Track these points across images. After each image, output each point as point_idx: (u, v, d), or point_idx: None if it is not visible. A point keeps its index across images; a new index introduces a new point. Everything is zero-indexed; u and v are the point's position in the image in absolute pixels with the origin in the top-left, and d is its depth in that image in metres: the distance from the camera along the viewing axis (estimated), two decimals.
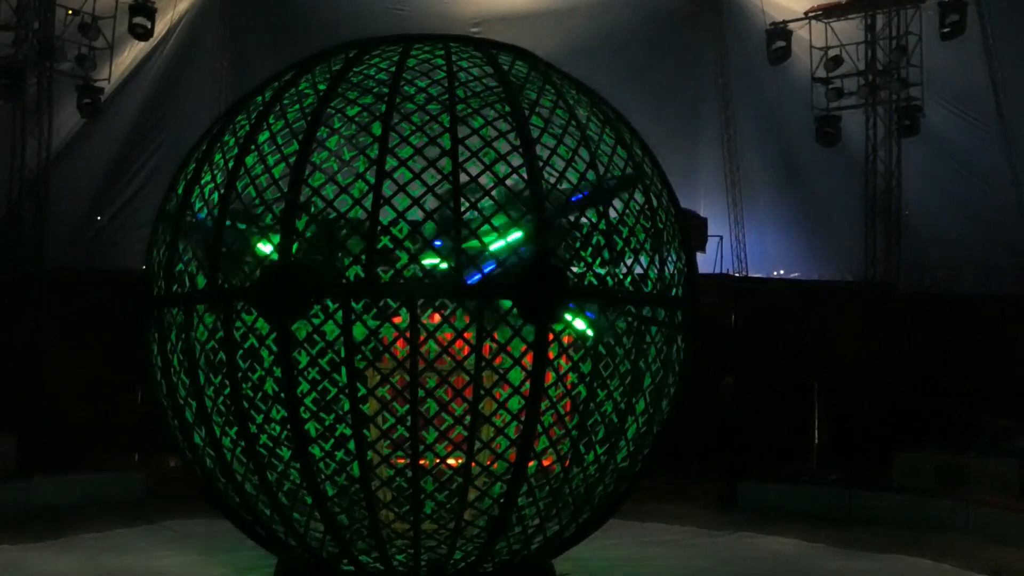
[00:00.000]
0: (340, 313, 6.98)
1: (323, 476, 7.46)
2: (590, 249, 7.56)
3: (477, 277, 7.07)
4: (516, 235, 7.25)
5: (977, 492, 13.56)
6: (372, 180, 7.14)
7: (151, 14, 19.73)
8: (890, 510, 13.56)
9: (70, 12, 18.76)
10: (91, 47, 19.02)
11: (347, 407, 7.16)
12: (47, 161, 18.07)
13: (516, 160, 7.38)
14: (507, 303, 7.03)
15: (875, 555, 11.42)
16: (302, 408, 7.40)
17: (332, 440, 7.59)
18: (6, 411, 15.48)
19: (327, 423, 7.63)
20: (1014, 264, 20.36)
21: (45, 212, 17.84)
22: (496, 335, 7.11)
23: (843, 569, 10.84)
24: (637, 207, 7.79)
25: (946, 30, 19.52)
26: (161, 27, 20.99)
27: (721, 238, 22.18)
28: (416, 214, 7.24)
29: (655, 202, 7.94)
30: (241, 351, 7.37)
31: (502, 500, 7.44)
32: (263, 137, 7.63)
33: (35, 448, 15.08)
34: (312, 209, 7.34)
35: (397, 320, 7.24)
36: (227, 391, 7.32)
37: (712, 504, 14.53)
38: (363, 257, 7.04)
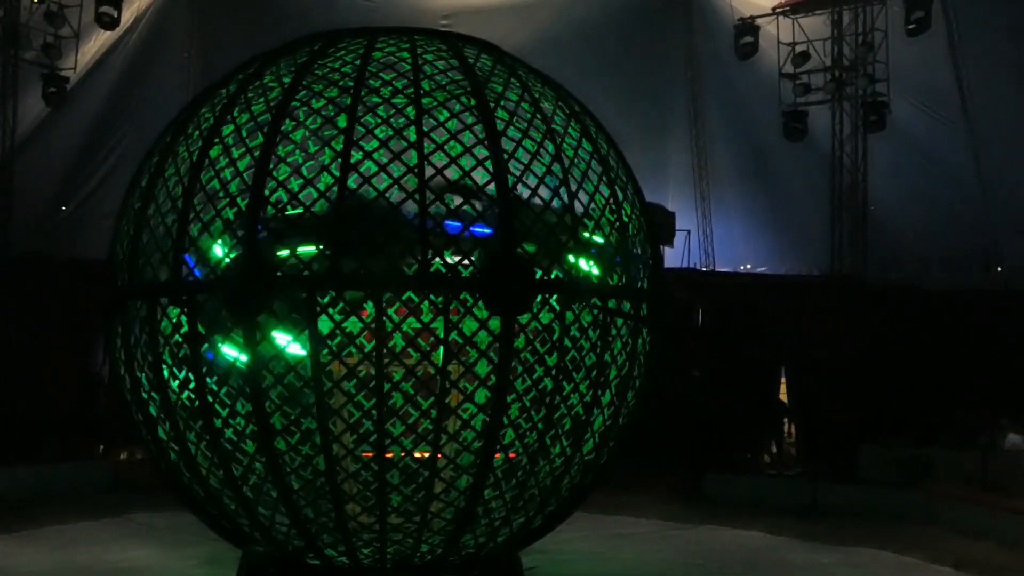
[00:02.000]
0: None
1: (288, 469, 7.43)
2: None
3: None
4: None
5: (941, 484, 13.71)
6: (337, 173, 7.11)
7: (118, 3, 19.54)
8: (855, 502, 13.69)
9: (36, 0, 18.55)
10: (57, 36, 18.82)
11: (312, 399, 7.13)
12: (11, 149, 17.86)
13: (482, 152, 7.37)
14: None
15: (840, 547, 11.53)
16: (267, 402, 7.36)
17: (298, 434, 7.57)
18: None
19: (292, 416, 7.61)
20: (979, 258, 20.56)
21: (10, 200, 17.63)
22: (462, 327, 7.11)
23: (808, 561, 10.93)
24: (603, 200, 7.80)
25: (912, 26, 19.68)
26: (128, 16, 20.79)
27: (689, 232, 22.25)
28: None
29: (620, 195, 7.95)
30: (205, 345, 7.31)
31: (468, 492, 7.45)
32: (227, 130, 7.58)
33: None
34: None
35: (363, 313, 7.22)
36: (191, 385, 7.27)
37: (678, 496, 14.62)
38: (327, 251, 7.01)
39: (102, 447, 16.31)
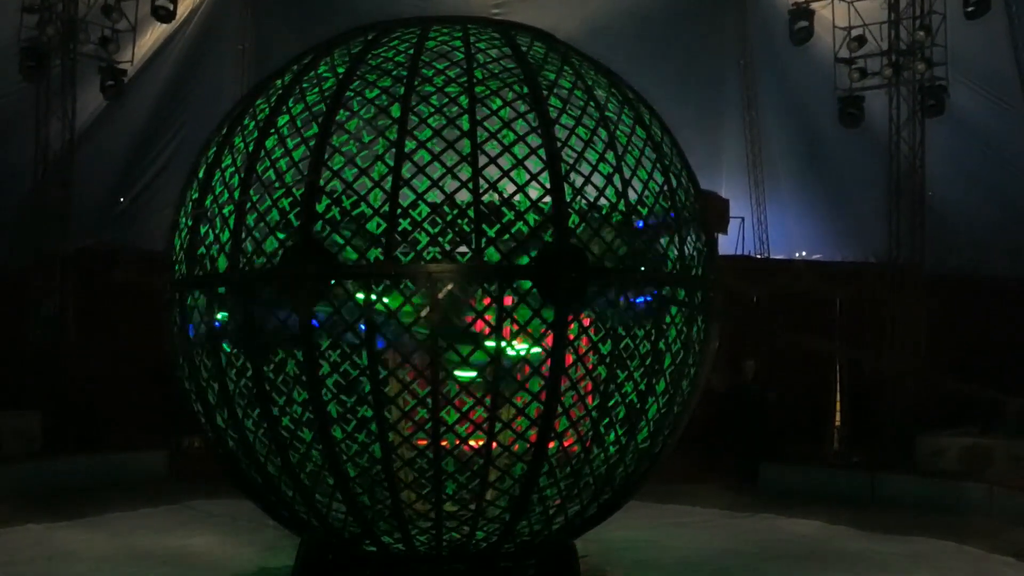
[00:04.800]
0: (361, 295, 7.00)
1: (345, 457, 7.49)
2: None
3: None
4: None
5: (1001, 474, 13.51)
6: (391, 162, 7.15)
7: None
8: (913, 492, 13.53)
9: None
10: (114, 29, 19.04)
11: (368, 388, 7.18)
12: (71, 143, 18.12)
13: (535, 141, 7.36)
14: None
15: (898, 537, 11.41)
16: (323, 390, 7.42)
17: (354, 421, 7.62)
18: (31, 391, 15.66)
19: (348, 404, 7.67)
20: None
21: (69, 193, 17.90)
22: (516, 316, 7.11)
23: (866, 551, 10.83)
24: (656, 187, 7.76)
25: (970, 9, 19.28)
26: (183, 9, 20.97)
27: (743, 219, 22.08)
28: (435, 196, 7.25)
29: (674, 182, 7.91)
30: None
31: (523, 481, 7.46)
32: (283, 120, 7.65)
33: (59, 427, 15.26)
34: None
35: None
36: (249, 373, 7.35)
37: (733, 485, 14.55)
38: (383, 239, 7.05)
39: (164, 436, 16.56)
